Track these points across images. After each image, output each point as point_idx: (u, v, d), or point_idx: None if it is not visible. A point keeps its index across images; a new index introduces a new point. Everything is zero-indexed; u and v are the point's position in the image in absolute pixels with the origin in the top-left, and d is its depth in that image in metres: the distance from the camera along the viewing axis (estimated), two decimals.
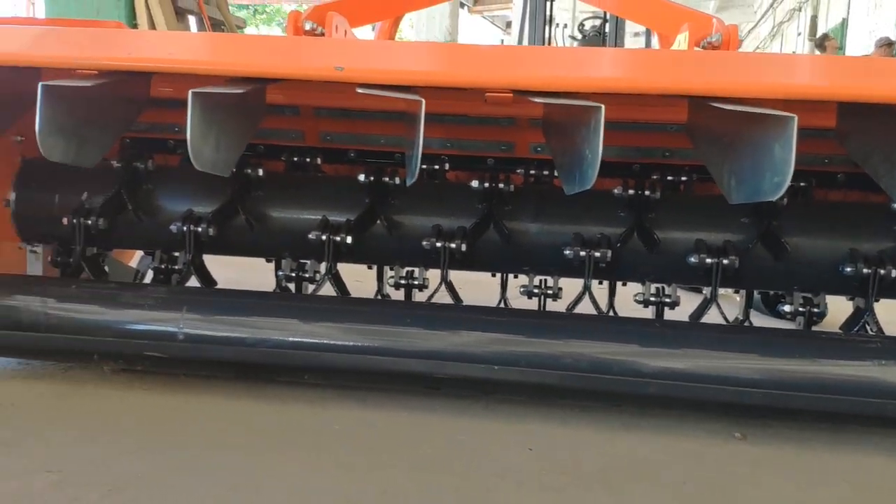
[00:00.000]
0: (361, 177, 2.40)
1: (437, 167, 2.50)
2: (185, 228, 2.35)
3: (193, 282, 2.49)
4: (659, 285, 2.42)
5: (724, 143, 1.85)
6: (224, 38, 2.51)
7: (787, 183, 1.56)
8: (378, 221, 2.44)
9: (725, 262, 2.22)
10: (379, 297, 2.61)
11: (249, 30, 10.84)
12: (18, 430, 1.89)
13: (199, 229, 2.35)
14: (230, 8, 8.27)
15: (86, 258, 2.45)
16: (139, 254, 3.05)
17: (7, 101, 2.11)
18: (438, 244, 2.32)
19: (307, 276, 2.51)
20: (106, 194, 2.44)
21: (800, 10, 18.07)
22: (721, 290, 2.29)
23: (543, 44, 7.32)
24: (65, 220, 2.41)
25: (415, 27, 15.05)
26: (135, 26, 6.01)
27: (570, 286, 2.43)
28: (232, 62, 1.79)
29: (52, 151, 1.78)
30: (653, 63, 1.74)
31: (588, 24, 8.38)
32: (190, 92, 1.67)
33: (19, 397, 2.10)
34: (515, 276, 2.63)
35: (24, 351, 2.29)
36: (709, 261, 2.23)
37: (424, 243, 2.33)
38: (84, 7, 6.24)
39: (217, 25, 7.26)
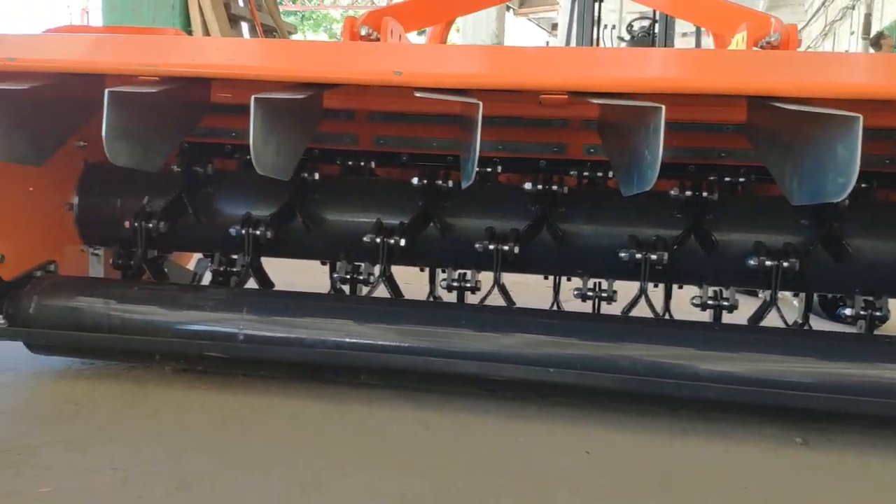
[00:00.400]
0: (415, 180, 2.42)
1: (489, 170, 2.50)
2: (243, 231, 2.39)
3: (251, 284, 2.54)
4: (716, 288, 2.39)
5: (786, 144, 1.82)
6: (284, 45, 2.55)
7: (852, 184, 1.53)
8: (431, 224, 2.45)
9: (786, 264, 2.18)
10: (431, 299, 2.62)
11: (297, 36, 10.98)
12: (84, 429, 1.94)
13: (258, 232, 2.39)
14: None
15: (147, 261, 2.51)
16: (196, 257, 3.11)
17: (72, 108, 2.16)
18: (491, 246, 2.33)
19: (361, 278, 2.53)
20: (166, 198, 2.49)
21: (853, 8, 17.65)
22: (780, 294, 2.25)
23: (591, 45, 7.27)
24: (126, 224, 2.47)
25: (461, 31, 15.08)
26: (190, 33, 6.12)
27: (625, 289, 2.41)
28: (294, 68, 1.82)
29: (118, 156, 1.82)
30: (715, 63, 1.72)
31: (637, 25, 8.30)
32: (253, 98, 1.69)
33: (84, 397, 2.16)
34: (568, 279, 2.62)
35: (88, 351, 2.36)
36: (768, 263, 2.19)
37: (477, 246, 2.34)
38: (140, 15, 6.39)
39: (269, 31, 7.37)
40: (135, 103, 1.83)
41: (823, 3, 20.46)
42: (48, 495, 1.59)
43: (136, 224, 2.45)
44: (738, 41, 2.68)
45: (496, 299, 2.41)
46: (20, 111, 1.93)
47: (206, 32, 6.27)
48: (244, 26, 7.15)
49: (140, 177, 2.19)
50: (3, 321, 2.22)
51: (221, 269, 2.62)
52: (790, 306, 2.77)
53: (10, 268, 2.29)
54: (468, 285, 2.48)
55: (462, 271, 2.50)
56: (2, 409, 2.05)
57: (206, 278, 2.78)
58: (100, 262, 2.70)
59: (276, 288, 2.58)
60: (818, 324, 2.82)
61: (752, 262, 2.21)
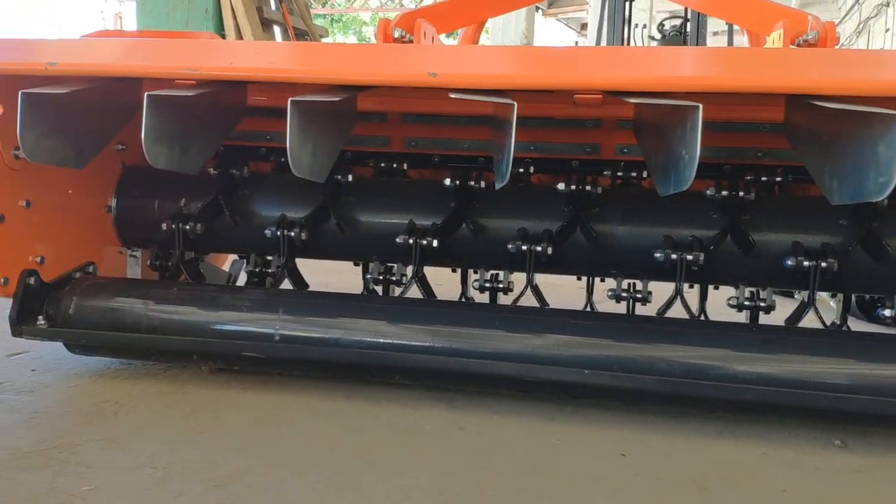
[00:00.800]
0: (447, 181, 2.43)
1: (521, 170, 2.49)
2: (279, 233, 2.42)
3: (286, 285, 2.56)
4: (753, 289, 2.36)
5: (825, 143, 1.80)
6: (320, 48, 2.57)
7: (893, 183, 1.51)
8: (463, 225, 2.46)
9: (824, 264, 2.15)
10: (463, 299, 2.62)
11: (327, 39, 11.04)
12: (123, 428, 1.97)
13: (292, 234, 2.41)
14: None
15: (184, 262, 2.54)
16: (231, 258, 3.14)
17: (111, 111, 2.20)
18: (524, 247, 2.32)
19: (394, 279, 2.54)
20: (203, 200, 2.52)
21: (888, 4, 17.36)
22: (817, 295, 2.22)
23: (622, 45, 7.23)
24: (164, 226, 2.51)
25: (490, 32, 15.08)
26: (223, 37, 6.19)
27: (660, 290, 2.40)
28: (330, 70, 1.83)
29: (158, 159, 1.85)
30: (754, 61, 1.70)
31: (668, 24, 8.24)
32: (290, 101, 1.71)
33: (123, 396, 2.19)
34: (602, 280, 2.60)
35: (127, 351, 2.39)
36: (806, 264, 2.16)
37: (510, 246, 2.33)
38: (174, 19, 6.47)
39: (300, 35, 7.43)
40: (173, 106, 1.86)
41: (857, 1, 20.15)
42: (90, 493, 1.61)
43: (173, 226, 2.49)
44: (775, 39, 2.65)
45: (529, 300, 2.40)
46: (61, 115, 1.97)
47: (239, 36, 6.33)
48: (276, 30, 7.22)
49: (177, 180, 2.22)
50: (43, 322, 2.25)
51: (257, 270, 2.65)
52: (828, 307, 2.73)
53: (50, 269, 2.34)
54: (500, 286, 2.48)
55: (494, 272, 2.50)
56: (43, 408, 2.09)
57: (241, 279, 2.81)
58: (137, 263, 2.74)
59: (310, 289, 2.61)
60: (856, 325, 2.78)
61: (789, 263, 2.18)
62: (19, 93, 1.82)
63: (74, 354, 2.43)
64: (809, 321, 2.28)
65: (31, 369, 2.40)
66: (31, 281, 2.24)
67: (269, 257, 2.65)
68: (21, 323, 2.22)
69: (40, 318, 2.25)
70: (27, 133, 1.86)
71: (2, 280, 2.19)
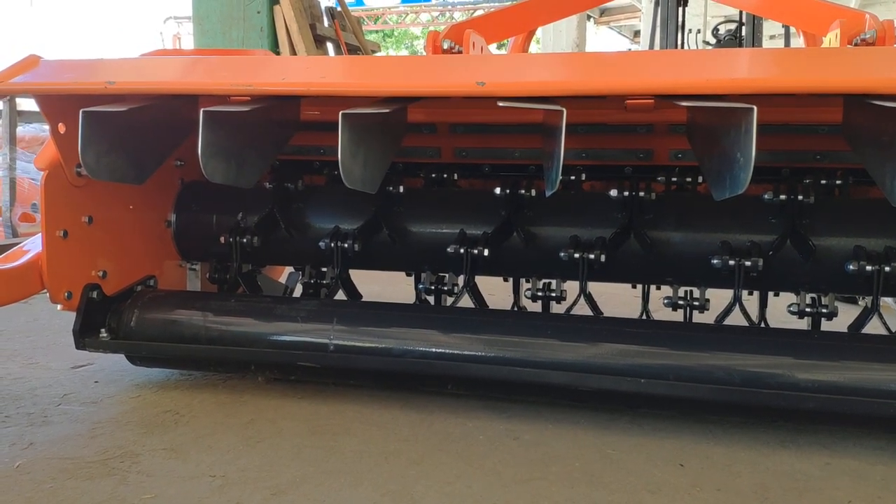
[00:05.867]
0: (497, 190, 2.42)
1: (573, 178, 2.47)
2: (332, 245, 2.45)
3: (340, 295, 2.58)
4: (814, 295, 2.30)
5: (885, 143, 1.74)
6: (370, 61, 2.59)
7: None
8: (514, 234, 2.45)
9: (887, 269, 2.09)
10: (515, 308, 2.61)
11: (380, 54, 11.17)
12: (183, 437, 2.01)
13: (346, 245, 2.44)
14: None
15: (241, 274, 2.59)
16: (287, 271, 3.19)
17: (169, 128, 2.26)
18: (576, 255, 2.30)
19: (446, 288, 2.55)
20: (259, 214, 2.57)
21: None
22: (881, 300, 2.15)
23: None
24: (222, 239, 2.56)
25: (541, 42, 15.05)
26: (277, 54, 6.30)
27: (718, 297, 2.35)
28: (380, 83, 1.85)
29: (214, 173, 1.89)
30: (809, 61, 1.67)
31: (722, 28, 8.12)
32: (340, 113, 1.73)
33: (183, 406, 2.24)
34: (658, 288, 2.57)
35: (186, 362, 2.45)
36: (869, 268, 2.10)
37: (562, 254, 2.31)
38: (230, 38, 6.62)
39: (353, 51, 7.52)
40: (228, 122, 1.89)
41: None
42: (151, 501, 1.65)
43: (231, 239, 2.54)
44: (832, 39, 2.59)
45: (582, 309, 2.38)
46: (120, 132, 2.02)
47: (293, 53, 6.44)
48: (329, 46, 7.32)
49: (234, 194, 2.27)
50: (105, 335, 2.32)
51: (311, 281, 2.68)
52: (892, 313, 2.64)
53: (113, 283, 2.40)
54: (553, 295, 2.46)
55: (546, 281, 2.49)
56: (106, 418, 2.14)
57: (297, 291, 2.85)
58: (197, 276, 2.81)
59: (363, 299, 2.63)
60: None
61: (851, 268, 2.12)
62: (80, 111, 1.88)
63: (136, 366, 2.50)
64: (873, 327, 2.21)
65: (95, 381, 2.47)
66: (94, 295, 2.30)
67: (324, 269, 2.68)
68: (84, 336, 2.28)
69: (103, 330, 2.32)
70: (88, 151, 1.92)
71: (66, 294, 2.25)
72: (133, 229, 2.54)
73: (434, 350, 2.15)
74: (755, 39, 7.24)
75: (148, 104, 2.01)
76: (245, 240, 2.52)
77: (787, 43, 7.38)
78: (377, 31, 26.15)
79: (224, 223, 2.62)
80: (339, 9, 7.74)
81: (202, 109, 1.83)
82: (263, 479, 1.75)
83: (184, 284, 2.79)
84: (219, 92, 2.02)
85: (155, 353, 2.38)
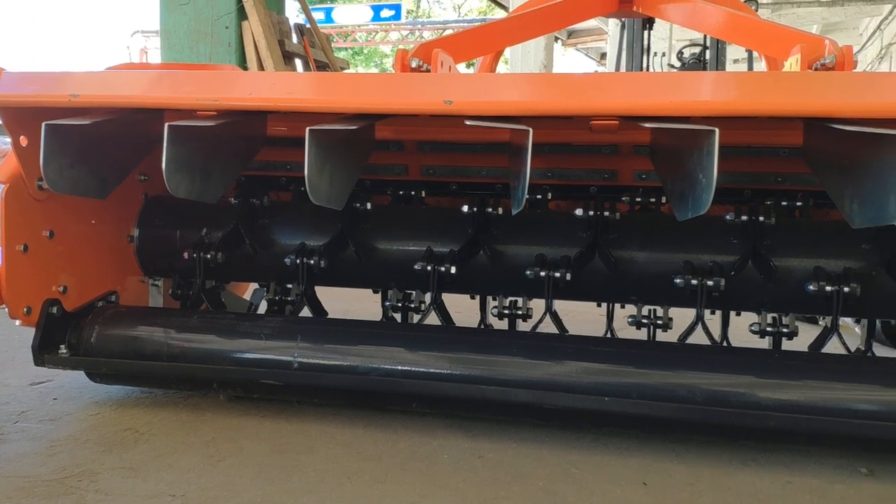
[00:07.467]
0: (465, 208, 2.43)
1: (539, 197, 2.49)
2: (298, 261, 2.43)
3: (305, 312, 2.56)
4: (775, 315, 2.33)
5: (844, 166, 1.79)
6: (338, 77, 2.59)
7: None
8: (481, 251, 2.45)
9: (846, 289, 2.13)
10: (482, 326, 2.61)
11: (349, 71, 11.19)
12: (143, 456, 1.97)
13: (311, 262, 2.42)
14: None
15: (205, 290, 2.56)
16: (252, 287, 3.16)
17: (134, 142, 2.23)
18: (542, 273, 2.31)
19: (412, 306, 2.54)
20: (224, 230, 2.55)
21: None
22: (840, 320, 2.19)
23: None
24: (185, 255, 2.53)
25: (510, 62, 15.16)
26: (245, 70, 6.28)
27: (681, 316, 2.37)
28: (347, 100, 1.85)
29: (178, 188, 1.87)
30: (770, 84, 1.70)
31: (687, 52, 8.26)
32: (307, 129, 1.73)
33: (143, 424, 2.20)
34: (622, 307, 2.58)
35: (147, 380, 2.41)
36: (829, 289, 2.14)
37: (528, 272, 2.32)
38: (198, 53, 6.58)
39: (322, 67, 7.52)
40: (194, 137, 1.88)
41: (879, 27, 20.09)
42: None
43: (194, 255, 2.51)
44: (792, 64, 2.64)
45: (548, 327, 2.39)
46: (83, 146, 1.99)
47: (261, 69, 6.42)
48: (298, 63, 7.31)
49: (198, 209, 2.24)
50: (65, 351, 2.27)
51: (276, 298, 2.66)
52: (852, 333, 2.69)
53: (73, 299, 2.36)
54: (519, 313, 2.47)
55: (513, 298, 2.49)
56: (64, 436, 2.10)
57: (262, 308, 2.82)
58: (159, 292, 2.77)
59: (329, 316, 2.61)
60: (882, 351, 2.73)
61: (811, 288, 2.16)
62: (42, 124, 1.85)
63: (96, 383, 2.45)
64: (833, 347, 2.24)
65: (53, 398, 2.42)
66: (54, 310, 2.26)
67: (289, 285, 2.66)
68: (43, 352, 2.24)
69: (62, 346, 2.28)
70: (50, 164, 1.89)
71: (25, 309, 2.21)
72: (95, 244, 2.50)
73: (399, 368, 2.14)
74: (719, 63, 7.38)
75: (112, 118, 1.98)
76: (209, 255, 2.49)
77: (751, 67, 7.52)
78: (347, 49, 26.20)
79: (188, 238, 2.59)
80: (308, 25, 7.75)
81: (167, 123, 1.81)
82: (224, 498, 1.73)
83: (146, 300, 2.75)
84: (184, 106, 2.00)
85: (115, 369, 2.33)
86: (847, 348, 2.30)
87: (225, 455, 1.98)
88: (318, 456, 1.99)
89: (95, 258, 2.50)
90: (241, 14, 6.63)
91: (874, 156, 1.62)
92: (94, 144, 2.04)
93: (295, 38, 7.45)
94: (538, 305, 2.41)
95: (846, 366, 2.11)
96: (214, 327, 2.33)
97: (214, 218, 2.58)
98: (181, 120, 1.85)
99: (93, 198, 2.15)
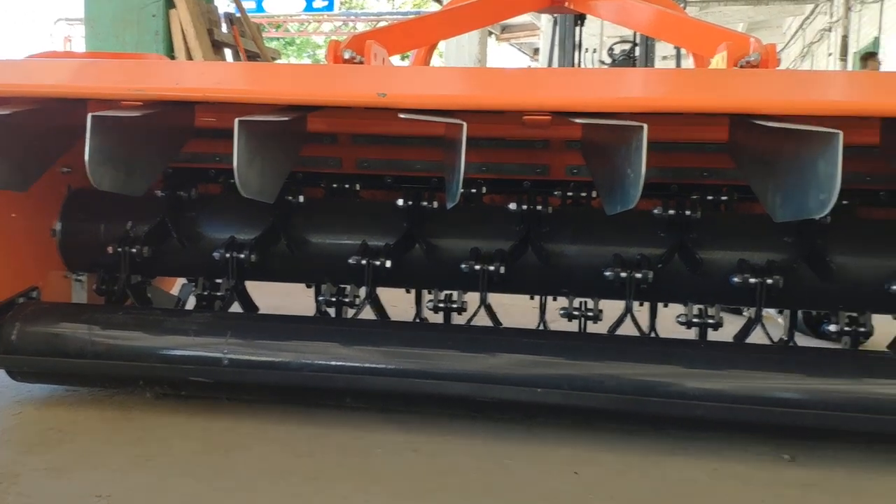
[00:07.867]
0: (399, 202, 2.42)
1: (473, 191, 2.50)
2: (227, 255, 2.38)
3: (236, 308, 2.52)
4: (701, 306, 2.40)
5: (768, 161, 1.84)
6: (269, 68, 2.55)
7: (833, 200, 1.54)
8: (416, 245, 2.45)
9: (769, 281, 2.19)
10: (417, 320, 2.61)
11: (281, 61, 11.02)
12: (67, 456, 1.91)
13: (242, 256, 2.38)
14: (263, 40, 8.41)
15: (130, 286, 2.50)
16: (180, 282, 3.09)
17: (56, 133, 2.15)
18: (477, 267, 2.32)
19: (347, 300, 2.52)
20: (150, 223, 2.48)
21: (830, 30, 17.96)
22: (764, 311, 2.26)
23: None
24: (110, 249, 2.46)
25: (444, 55, 15.19)
26: (173, 59, 6.12)
27: (611, 308, 2.42)
28: (278, 90, 1.82)
29: (102, 180, 1.81)
30: (697, 81, 1.74)
31: (617, 49, 8.41)
32: (236, 120, 1.69)
33: (67, 423, 2.13)
34: (554, 299, 2.62)
35: (72, 378, 2.33)
36: (752, 281, 2.20)
37: (463, 266, 2.33)
38: (124, 41, 6.39)
39: (252, 57, 7.38)
40: (118, 128, 1.82)
41: (801, 26, 20.82)
42: None
43: (119, 249, 2.44)
44: (718, 61, 2.71)
45: (483, 320, 2.40)
46: (3, 137, 1.91)
47: (189, 58, 6.26)
48: (228, 52, 7.17)
49: (124, 202, 2.18)
50: None
51: (205, 293, 2.60)
52: (775, 323, 2.78)
53: None
54: (454, 306, 2.47)
55: (448, 292, 2.50)
56: None
57: (191, 303, 2.76)
58: (83, 287, 2.68)
59: (260, 312, 2.57)
60: (803, 340, 2.83)
61: (736, 280, 2.22)
62: None
63: (17, 381, 2.36)
64: (757, 337, 2.32)
65: None
66: None
67: (219, 280, 2.61)
68: None
69: None
70: None
71: None
72: (15, 238, 2.40)
73: (333, 363, 2.12)
74: (648, 59, 7.53)
75: (33, 108, 1.91)
76: (134, 250, 2.42)
77: (679, 64, 7.70)
78: (278, 39, 25.80)
79: (112, 232, 2.51)
80: (238, 15, 7.59)
81: (90, 114, 1.75)
82: (153, 499, 1.69)
83: (69, 296, 2.66)
84: (109, 96, 1.94)
85: (38, 368, 2.25)
86: (770, 338, 2.37)
87: (153, 454, 1.94)
88: (250, 453, 1.96)
89: (16, 253, 2.41)
90: (169, 2, 6.45)
91: (796, 152, 1.67)
92: (14, 135, 1.95)
93: (224, 28, 7.29)
94: (473, 299, 2.42)
95: (769, 355, 2.18)
96: (140, 323, 2.26)
97: (140, 211, 2.51)
98: (105, 110, 1.80)
99: (13, 190, 2.07)
